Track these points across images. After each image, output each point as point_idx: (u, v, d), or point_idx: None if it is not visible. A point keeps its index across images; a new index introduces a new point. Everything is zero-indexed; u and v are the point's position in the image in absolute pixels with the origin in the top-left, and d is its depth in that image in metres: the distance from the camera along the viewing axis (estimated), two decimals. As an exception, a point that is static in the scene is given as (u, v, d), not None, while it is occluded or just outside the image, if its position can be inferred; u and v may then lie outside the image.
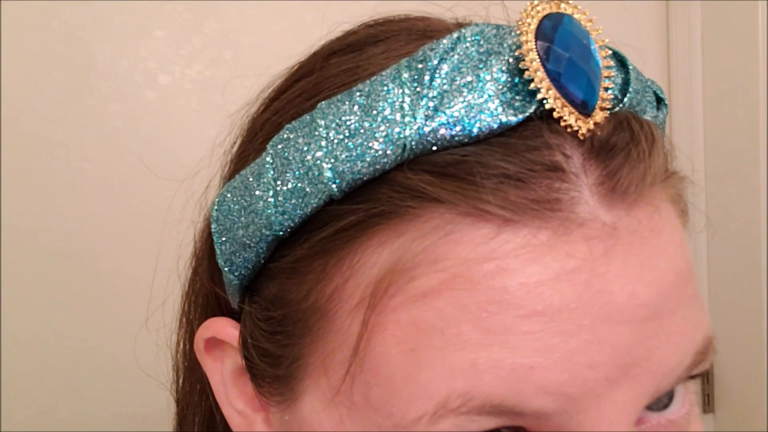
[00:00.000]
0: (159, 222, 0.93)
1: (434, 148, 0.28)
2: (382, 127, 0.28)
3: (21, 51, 0.91)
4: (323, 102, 0.30)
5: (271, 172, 0.30)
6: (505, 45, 0.29)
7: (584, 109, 0.28)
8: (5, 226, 0.90)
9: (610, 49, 0.31)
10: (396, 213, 0.28)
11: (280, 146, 0.31)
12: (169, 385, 0.45)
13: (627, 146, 0.28)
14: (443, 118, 0.28)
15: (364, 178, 0.29)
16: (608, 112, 0.29)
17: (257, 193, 0.31)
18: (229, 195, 0.33)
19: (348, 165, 0.29)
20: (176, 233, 0.97)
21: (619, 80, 0.31)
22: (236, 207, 0.32)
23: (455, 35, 0.29)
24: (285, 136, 0.31)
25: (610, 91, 0.29)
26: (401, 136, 0.28)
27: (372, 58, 0.32)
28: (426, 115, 0.28)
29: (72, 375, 0.93)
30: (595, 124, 0.28)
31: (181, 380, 0.44)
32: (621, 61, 0.32)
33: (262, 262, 0.33)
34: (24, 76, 0.91)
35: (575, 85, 0.28)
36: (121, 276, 0.94)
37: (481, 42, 0.29)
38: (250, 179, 0.32)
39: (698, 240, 1.13)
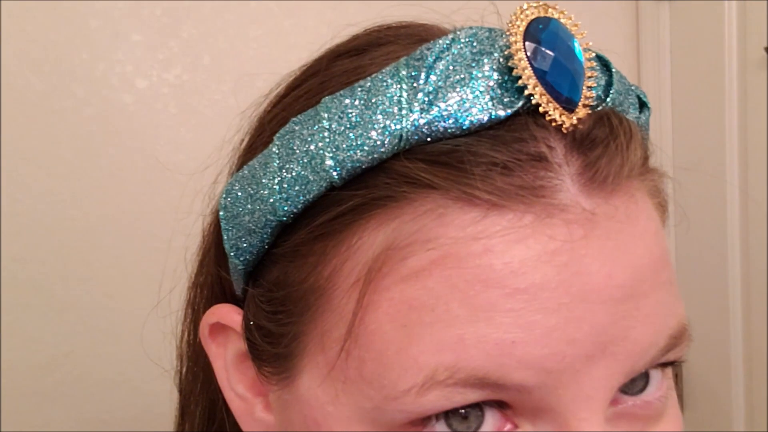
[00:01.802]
0: (127, 223, 0.95)
1: (429, 139, 0.30)
2: (381, 119, 0.30)
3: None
4: (327, 97, 0.32)
5: (277, 161, 0.33)
6: (496, 46, 0.31)
7: (568, 105, 0.30)
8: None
9: (594, 52, 0.34)
10: (392, 198, 0.30)
11: (286, 137, 0.33)
12: (172, 374, 0.46)
13: (606, 139, 0.31)
14: (437, 112, 0.30)
15: (363, 167, 0.31)
16: (591, 109, 0.31)
17: (263, 181, 0.33)
18: (237, 184, 0.35)
19: (348, 154, 0.31)
20: (152, 237, 0.97)
21: (602, 81, 0.33)
22: (243, 195, 0.35)
23: (450, 36, 0.31)
24: (291, 128, 0.33)
25: (592, 90, 0.32)
26: (398, 127, 0.30)
27: (374, 60, 0.35)
28: (421, 109, 0.30)
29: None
30: (578, 119, 0.30)
31: (184, 370, 0.46)
32: (605, 65, 0.34)
33: (266, 247, 0.35)
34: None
35: (560, 83, 0.30)
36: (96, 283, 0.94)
37: (474, 43, 0.31)
38: (257, 168, 0.34)
39: (668, 236, 1.15)
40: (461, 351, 0.28)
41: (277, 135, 0.33)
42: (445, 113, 0.30)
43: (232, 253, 0.36)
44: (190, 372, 0.45)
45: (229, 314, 0.38)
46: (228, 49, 1.02)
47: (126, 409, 0.93)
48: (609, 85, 0.33)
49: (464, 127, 0.30)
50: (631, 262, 0.30)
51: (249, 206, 0.34)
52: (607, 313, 0.29)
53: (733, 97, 1.06)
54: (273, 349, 0.35)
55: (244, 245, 0.35)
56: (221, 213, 0.36)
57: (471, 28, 0.31)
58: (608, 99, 0.32)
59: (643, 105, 0.36)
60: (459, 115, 0.30)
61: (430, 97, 0.30)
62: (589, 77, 0.32)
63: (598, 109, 0.32)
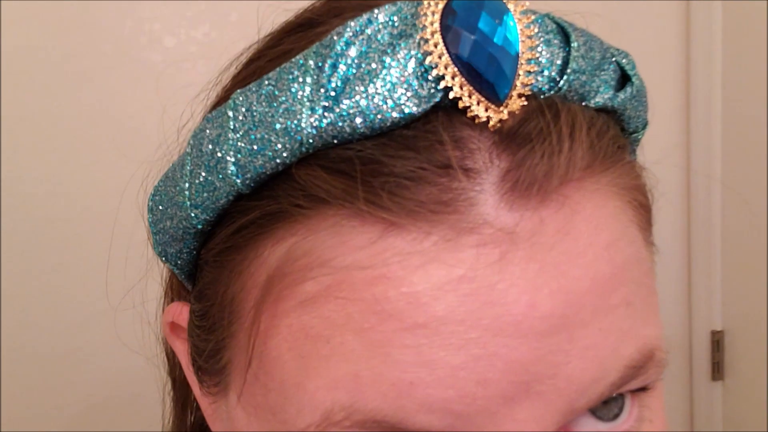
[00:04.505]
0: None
1: (336, 141, 0.26)
2: (282, 119, 0.26)
3: (22, 12, 0.90)
4: (238, 90, 0.28)
5: (189, 164, 0.29)
6: (420, 26, 0.26)
7: (495, 96, 0.25)
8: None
9: (550, 23, 0.28)
10: (289, 212, 0.27)
11: (197, 137, 0.29)
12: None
13: (537, 137, 0.25)
14: (343, 110, 0.25)
15: (267, 173, 0.27)
16: (531, 98, 0.26)
17: (180, 185, 0.30)
18: (161, 185, 0.32)
19: (249, 159, 0.27)
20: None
21: (558, 60, 0.28)
22: (165, 198, 0.31)
23: (365, 16, 0.26)
24: (203, 126, 0.29)
25: (532, 75, 0.26)
26: (299, 129, 0.26)
27: (315, 39, 0.29)
28: (325, 107, 0.26)
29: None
30: (511, 113, 0.25)
31: (175, 358, 0.44)
32: (565, 38, 0.28)
33: (194, 253, 0.32)
34: (24, 39, 0.90)
35: (486, 70, 0.25)
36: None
37: (396, 23, 0.26)
38: (176, 170, 0.31)
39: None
40: (357, 390, 0.25)
41: (191, 134, 0.30)
42: (351, 111, 0.25)
43: (162, 259, 0.33)
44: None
45: (182, 314, 0.35)
46: (255, 5, 0.99)
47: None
48: (566, 63, 0.28)
49: (375, 128, 0.25)
50: (563, 287, 0.25)
51: (169, 210, 0.31)
52: (529, 349, 0.25)
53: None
54: (202, 363, 0.33)
55: (172, 251, 0.33)
56: (148, 216, 0.33)
57: (395, 3, 0.26)
58: (562, 82, 0.27)
59: (626, 79, 0.31)
60: (368, 113, 0.25)
61: (337, 92, 0.26)
62: (530, 59, 0.26)
63: (546, 96, 0.27)
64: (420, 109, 0.25)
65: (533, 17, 0.28)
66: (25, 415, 0.92)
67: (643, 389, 0.29)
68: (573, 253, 0.26)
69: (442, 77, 0.25)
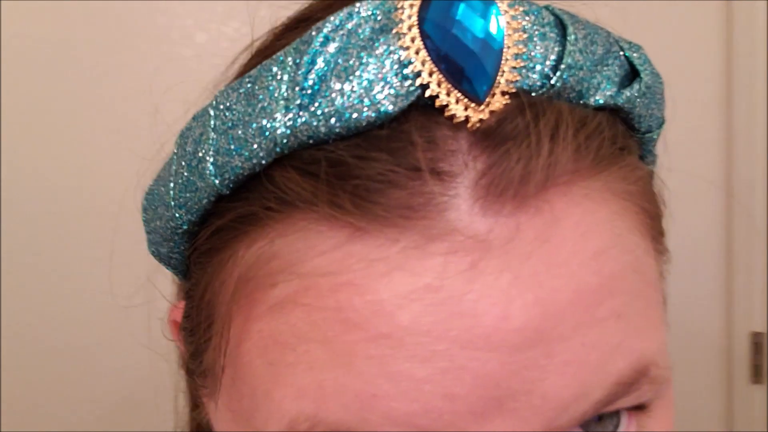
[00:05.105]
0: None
1: (312, 141, 0.25)
2: (258, 119, 0.25)
3: (53, 7, 0.91)
4: (220, 89, 0.28)
5: (174, 164, 0.29)
6: (395, 20, 0.25)
7: (474, 94, 0.24)
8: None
9: (552, 14, 0.27)
10: (262, 214, 0.26)
11: (183, 136, 0.29)
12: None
13: (511, 139, 0.24)
14: (318, 109, 0.24)
15: (245, 174, 0.26)
16: (517, 96, 0.25)
17: (168, 184, 0.30)
18: (153, 184, 0.32)
19: (227, 159, 0.26)
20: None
21: (552, 55, 0.26)
22: (156, 197, 0.31)
23: (346, 10, 0.25)
24: (189, 125, 0.29)
25: (517, 72, 0.25)
26: (273, 128, 0.25)
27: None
28: (300, 105, 0.25)
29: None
30: (493, 112, 0.24)
31: None
32: (561, 31, 0.27)
33: (185, 253, 0.32)
34: (56, 33, 0.91)
35: (467, 67, 0.24)
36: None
37: (379, 17, 0.25)
38: (165, 170, 0.30)
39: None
40: (320, 400, 0.24)
41: (179, 133, 0.29)
42: (326, 110, 0.24)
43: (156, 258, 0.33)
44: None
45: (181, 313, 0.35)
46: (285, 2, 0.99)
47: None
48: (560, 58, 0.26)
49: (350, 127, 0.24)
50: (540, 299, 0.24)
51: (159, 210, 0.31)
52: (501, 363, 0.23)
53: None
54: (189, 362, 0.33)
55: (164, 251, 0.32)
56: (142, 215, 0.33)
57: None
58: (554, 79, 0.26)
59: (634, 74, 0.29)
60: (344, 111, 0.24)
61: (313, 90, 0.24)
62: (517, 54, 0.25)
63: (534, 94, 0.25)
64: (396, 108, 0.24)
65: (527, 8, 0.26)
66: (57, 413, 0.94)
67: (640, 408, 0.27)
68: (553, 263, 0.24)
69: (419, 74, 0.24)
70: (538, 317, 0.24)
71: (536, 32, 0.26)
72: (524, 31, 0.25)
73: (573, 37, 0.26)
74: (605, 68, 0.28)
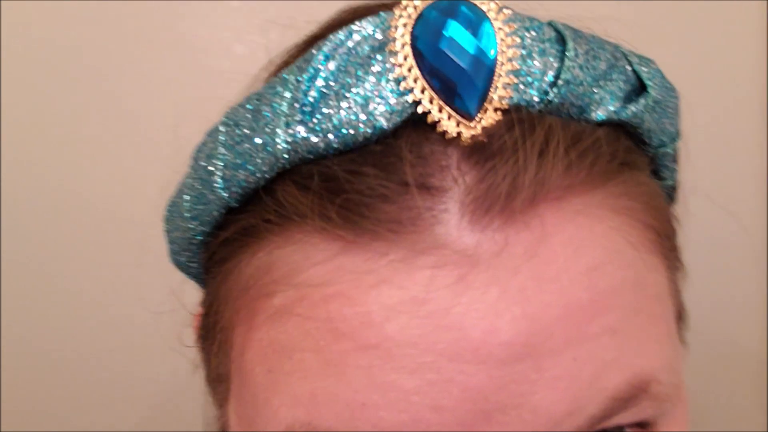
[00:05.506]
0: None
1: (312, 156, 0.26)
2: (262, 134, 0.26)
3: (94, 17, 0.93)
4: (231, 105, 0.29)
5: (189, 177, 0.30)
6: (389, 38, 0.25)
7: (464, 111, 0.24)
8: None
9: (554, 30, 0.27)
10: (263, 226, 0.27)
11: (198, 150, 0.30)
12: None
13: (498, 155, 0.24)
14: (316, 125, 0.25)
15: (250, 187, 0.27)
16: (509, 112, 0.25)
17: (183, 196, 0.31)
18: (173, 196, 0.33)
19: (233, 172, 0.27)
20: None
21: (551, 71, 0.26)
22: (175, 209, 0.32)
23: (347, 28, 0.26)
24: (203, 140, 0.30)
25: (511, 88, 0.25)
26: (275, 143, 0.26)
27: None
28: (299, 121, 0.25)
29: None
30: (485, 128, 0.24)
31: None
32: (561, 46, 0.27)
33: (201, 262, 0.33)
34: (96, 45, 0.94)
35: (458, 83, 0.24)
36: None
37: (378, 35, 0.25)
38: (182, 182, 0.32)
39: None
40: (313, 409, 0.25)
41: (195, 147, 0.30)
42: (324, 126, 0.25)
43: (177, 267, 0.35)
44: None
45: None
46: (323, 11, 1.00)
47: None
48: (558, 74, 0.26)
49: (347, 143, 0.25)
50: (528, 313, 0.24)
51: (177, 221, 0.32)
52: (489, 376, 0.24)
53: None
54: (205, 369, 0.34)
55: (183, 260, 0.34)
56: (164, 225, 0.34)
57: (379, 14, 0.26)
58: (551, 95, 0.26)
59: (642, 88, 0.29)
60: (341, 127, 0.25)
61: (312, 106, 0.25)
62: (511, 71, 0.25)
63: (526, 110, 0.25)
64: (390, 124, 0.25)
65: (527, 24, 0.26)
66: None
67: (643, 425, 0.27)
68: (543, 278, 0.24)
69: (411, 90, 0.24)
70: (526, 331, 0.24)
71: (536, 48, 0.26)
72: (522, 47, 0.26)
73: (572, 52, 0.26)
74: (608, 83, 0.28)
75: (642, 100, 0.29)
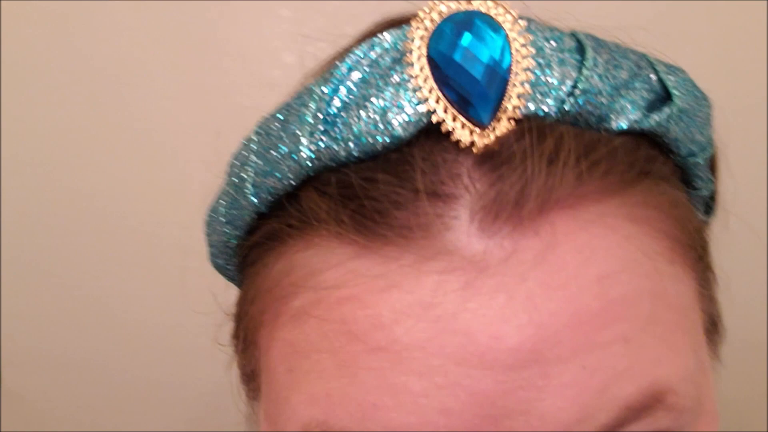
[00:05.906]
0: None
1: (334, 164, 0.27)
2: (288, 142, 0.28)
3: (147, 26, 0.96)
4: (263, 115, 0.30)
5: (225, 184, 0.32)
6: (406, 50, 0.26)
7: (478, 119, 0.25)
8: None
9: (575, 39, 0.27)
10: (287, 231, 0.28)
11: (234, 158, 0.31)
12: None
13: (507, 163, 0.25)
14: (338, 134, 0.26)
15: (279, 193, 0.29)
16: (525, 122, 0.26)
17: (221, 202, 0.32)
18: (213, 202, 0.35)
19: (263, 179, 0.29)
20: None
21: (569, 81, 0.26)
22: (214, 213, 0.34)
23: (370, 40, 0.27)
24: (238, 148, 0.31)
25: (524, 98, 0.26)
26: (299, 151, 0.27)
27: None
28: (322, 131, 0.27)
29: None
30: (498, 137, 0.25)
31: None
32: (580, 55, 0.27)
33: (236, 265, 0.34)
34: (147, 52, 0.96)
35: (471, 93, 0.25)
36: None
37: (398, 46, 0.26)
38: (221, 189, 0.33)
39: None
40: (329, 408, 0.26)
41: (232, 155, 0.32)
42: (345, 135, 0.26)
43: (216, 269, 0.36)
44: None
45: None
46: (369, 19, 1.01)
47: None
48: (576, 84, 0.26)
49: (366, 151, 0.26)
50: (535, 320, 0.24)
51: (215, 225, 0.33)
52: (495, 381, 0.24)
53: None
54: (238, 368, 0.35)
55: (221, 262, 0.35)
56: (205, 229, 0.35)
57: (402, 27, 0.27)
58: (567, 105, 0.26)
59: (668, 97, 0.29)
60: (361, 136, 0.26)
61: (335, 116, 0.26)
62: (525, 81, 0.26)
63: (541, 120, 0.26)
64: (407, 133, 0.25)
65: (548, 35, 0.27)
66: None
67: None
68: (551, 285, 0.24)
69: (427, 100, 0.25)
70: (532, 338, 0.24)
71: (555, 58, 0.27)
72: (541, 56, 0.26)
73: (591, 62, 0.27)
74: (630, 92, 0.28)
75: (666, 109, 0.28)
